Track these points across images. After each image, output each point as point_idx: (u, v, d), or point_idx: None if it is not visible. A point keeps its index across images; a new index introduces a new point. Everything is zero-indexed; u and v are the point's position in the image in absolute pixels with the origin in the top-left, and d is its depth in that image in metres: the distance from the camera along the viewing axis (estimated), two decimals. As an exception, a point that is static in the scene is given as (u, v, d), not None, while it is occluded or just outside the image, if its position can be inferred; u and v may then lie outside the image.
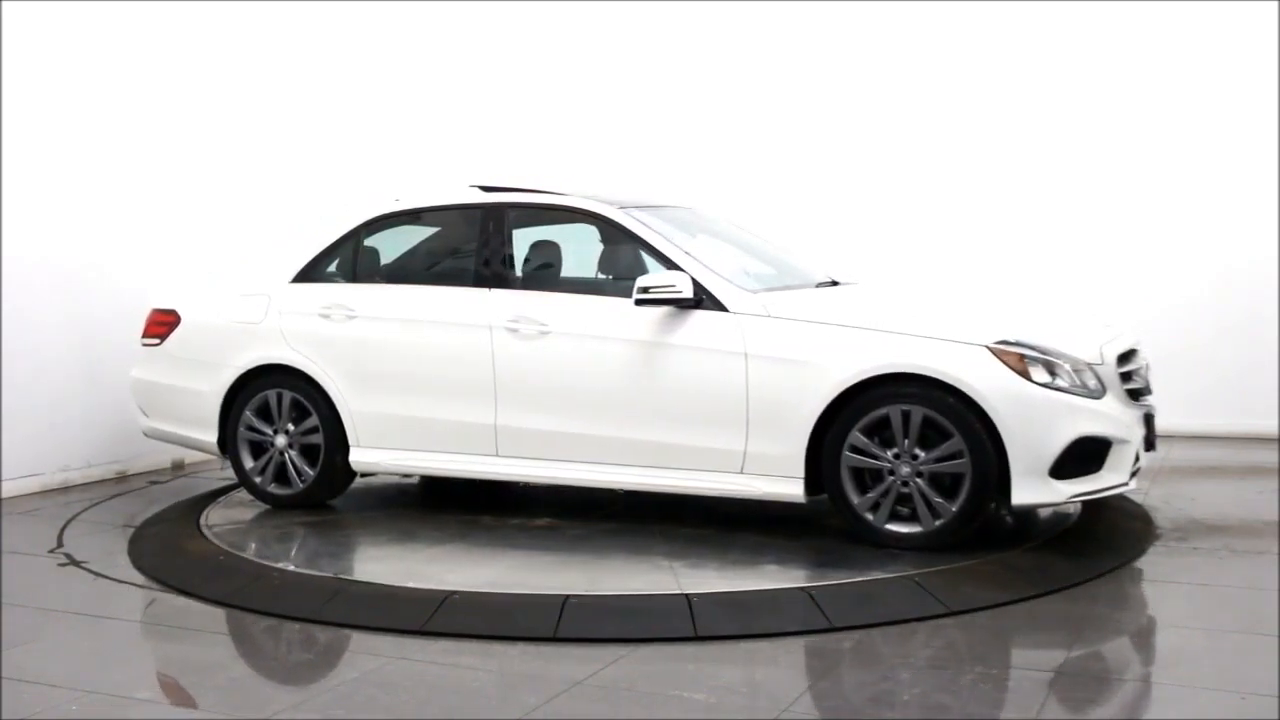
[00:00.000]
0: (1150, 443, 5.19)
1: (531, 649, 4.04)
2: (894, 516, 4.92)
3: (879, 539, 4.91)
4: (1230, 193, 7.98)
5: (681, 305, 5.21)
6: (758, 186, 8.93)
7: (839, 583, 4.49)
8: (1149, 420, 5.18)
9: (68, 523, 6.20)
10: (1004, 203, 8.52)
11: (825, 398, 4.92)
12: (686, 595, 4.37)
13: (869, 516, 4.93)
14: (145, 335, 6.51)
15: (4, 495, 6.75)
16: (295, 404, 6.05)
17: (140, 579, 5.07)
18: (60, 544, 5.76)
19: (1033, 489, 4.74)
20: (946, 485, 4.83)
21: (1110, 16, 8.24)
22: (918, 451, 4.83)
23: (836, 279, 6.19)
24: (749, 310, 5.16)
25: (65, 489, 7.08)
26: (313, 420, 6.00)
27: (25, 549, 5.68)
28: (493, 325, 5.57)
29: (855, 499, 4.94)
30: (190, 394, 6.29)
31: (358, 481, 6.33)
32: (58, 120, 7.30)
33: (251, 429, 6.15)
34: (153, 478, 7.43)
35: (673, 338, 5.23)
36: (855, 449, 4.91)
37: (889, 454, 4.87)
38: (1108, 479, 4.89)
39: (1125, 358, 5.17)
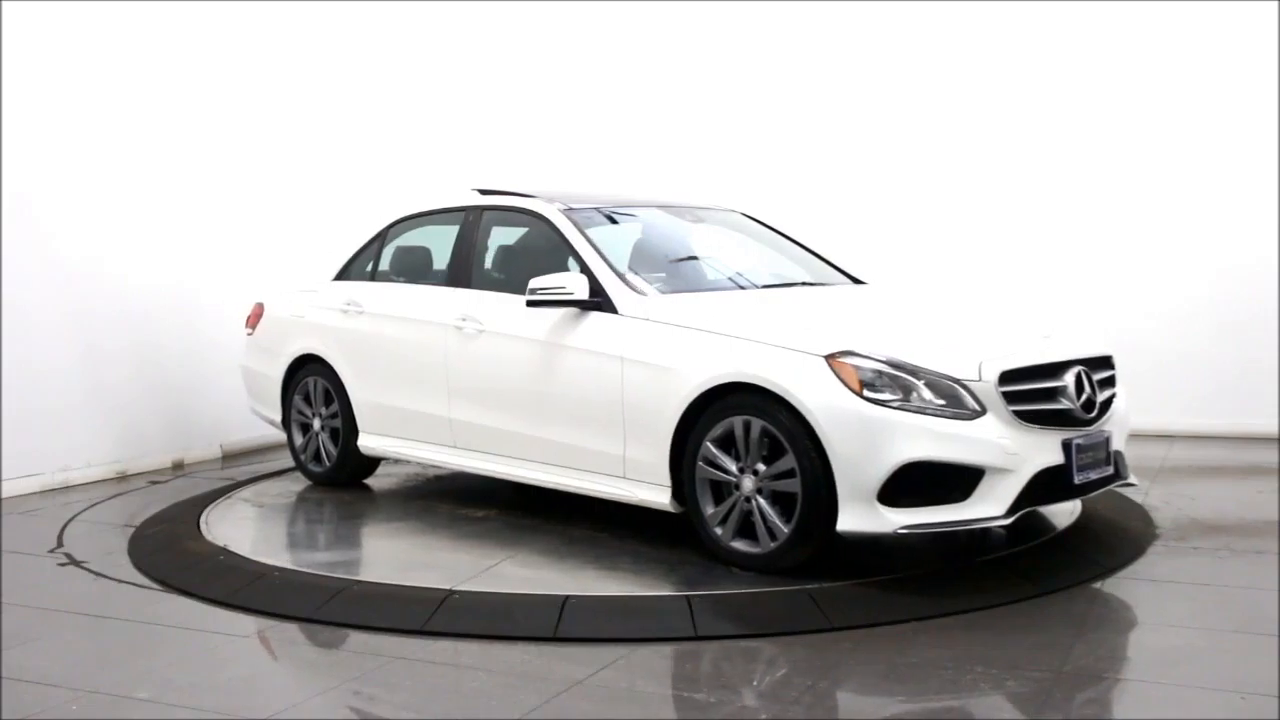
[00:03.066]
0: (1068, 480, 4.56)
1: (531, 649, 4.04)
2: (744, 533, 4.68)
3: (724, 555, 4.72)
4: (1230, 193, 7.97)
5: (581, 306, 5.22)
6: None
7: (839, 584, 4.49)
8: (1071, 449, 4.57)
9: (68, 523, 6.20)
10: (1007, 204, 8.52)
11: (680, 405, 4.78)
12: (687, 596, 4.37)
13: (718, 531, 4.73)
14: (246, 326, 7.21)
15: (4, 495, 6.75)
16: (325, 391, 6.64)
17: (140, 579, 5.07)
18: (60, 544, 5.76)
19: (859, 515, 4.36)
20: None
21: (1113, 16, 8.24)
22: (760, 466, 4.60)
23: (859, 278, 6.16)
24: (634, 314, 5.10)
25: (65, 489, 7.07)
26: (335, 406, 6.55)
27: (25, 549, 5.68)
28: (447, 323, 5.83)
29: (709, 511, 4.76)
30: (264, 378, 7.01)
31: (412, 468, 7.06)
32: (59, 117, 7.30)
33: (300, 411, 6.80)
34: (153, 478, 7.43)
35: (570, 339, 5.26)
36: (707, 460, 4.72)
37: (735, 468, 4.66)
38: (972, 511, 4.37)
39: (1034, 374, 4.61)
